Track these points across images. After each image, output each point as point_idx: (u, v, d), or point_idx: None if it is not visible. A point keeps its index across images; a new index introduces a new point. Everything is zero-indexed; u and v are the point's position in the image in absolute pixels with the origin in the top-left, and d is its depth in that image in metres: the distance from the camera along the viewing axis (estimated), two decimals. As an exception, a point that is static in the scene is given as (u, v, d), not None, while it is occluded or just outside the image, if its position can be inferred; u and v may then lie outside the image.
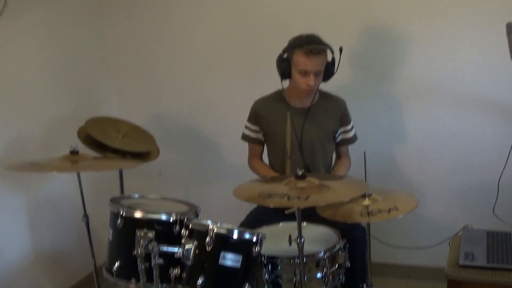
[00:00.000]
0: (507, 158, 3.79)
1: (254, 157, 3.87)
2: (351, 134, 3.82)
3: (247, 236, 2.78)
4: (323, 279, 2.98)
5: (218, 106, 4.65)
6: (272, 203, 2.72)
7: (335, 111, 3.73)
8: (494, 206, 3.89)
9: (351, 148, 3.88)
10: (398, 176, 4.34)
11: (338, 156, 3.89)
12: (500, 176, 3.86)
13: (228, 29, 4.51)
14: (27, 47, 3.98)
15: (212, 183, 4.77)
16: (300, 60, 3.42)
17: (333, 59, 3.53)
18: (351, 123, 3.81)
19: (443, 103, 4.11)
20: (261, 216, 3.55)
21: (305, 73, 3.44)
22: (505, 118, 3.94)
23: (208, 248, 2.73)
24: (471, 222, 3.71)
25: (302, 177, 2.84)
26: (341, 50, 3.50)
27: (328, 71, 3.53)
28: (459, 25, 3.98)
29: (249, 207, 3.74)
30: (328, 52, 3.50)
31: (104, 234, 3.15)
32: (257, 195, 2.80)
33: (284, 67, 3.50)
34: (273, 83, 3.65)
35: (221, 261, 2.72)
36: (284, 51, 3.50)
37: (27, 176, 3.92)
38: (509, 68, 3.31)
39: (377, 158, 4.27)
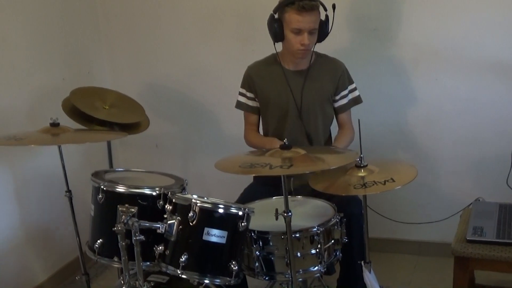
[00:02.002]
0: (522, 126, 3.79)
1: (251, 129, 3.84)
2: (350, 97, 3.76)
3: (232, 210, 2.79)
4: (318, 256, 2.98)
5: (215, 73, 4.66)
6: (253, 173, 2.74)
7: (332, 73, 3.70)
8: (508, 177, 3.88)
9: (352, 117, 3.82)
10: (406, 147, 4.35)
11: (340, 126, 3.84)
12: (514, 146, 3.85)
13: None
14: (12, 12, 3.98)
15: (210, 155, 4.73)
16: (293, 18, 3.40)
17: (327, 18, 3.52)
18: (352, 85, 3.76)
19: (454, 68, 4.09)
20: (257, 191, 3.57)
21: (298, 32, 3.42)
22: (520, 83, 3.91)
23: (192, 223, 2.74)
24: (484, 194, 3.74)
25: (288, 147, 2.85)
26: (334, 7, 3.47)
27: (323, 30, 3.51)
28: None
29: (249, 182, 3.79)
30: (322, 11, 3.49)
31: (93, 211, 3.16)
32: (238, 165, 2.81)
33: (276, 28, 3.48)
34: (272, 48, 3.64)
35: (205, 237, 2.73)
36: (275, 11, 3.48)
37: (13, 151, 3.95)
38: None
39: (384, 127, 4.29)
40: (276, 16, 3.49)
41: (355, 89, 3.77)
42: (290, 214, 2.75)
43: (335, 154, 3.26)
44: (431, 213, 4.33)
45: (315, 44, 3.58)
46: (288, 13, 3.41)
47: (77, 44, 4.60)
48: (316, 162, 2.89)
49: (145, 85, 4.85)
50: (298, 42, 3.45)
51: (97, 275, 4.41)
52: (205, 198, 2.85)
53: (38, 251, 4.25)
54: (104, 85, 4.28)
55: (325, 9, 3.49)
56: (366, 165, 2.87)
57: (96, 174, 3.17)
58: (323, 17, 3.50)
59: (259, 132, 3.87)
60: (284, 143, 2.86)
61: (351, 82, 3.76)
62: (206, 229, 2.74)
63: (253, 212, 2.85)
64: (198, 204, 2.75)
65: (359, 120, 3.03)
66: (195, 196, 2.83)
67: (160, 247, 2.83)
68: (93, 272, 4.32)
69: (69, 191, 3.56)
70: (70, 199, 3.57)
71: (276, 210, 2.82)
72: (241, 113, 3.87)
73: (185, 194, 2.96)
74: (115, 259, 2.95)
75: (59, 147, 3.48)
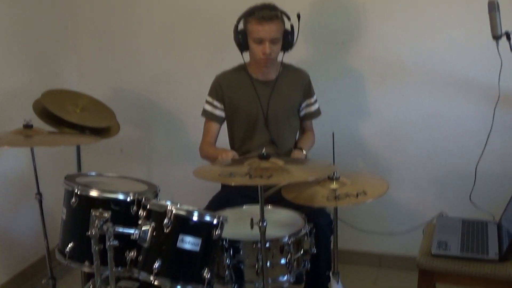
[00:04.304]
0: (485, 143, 3.84)
1: (208, 142, 3.82)
2: (314, 107, 3.89)
3: (207, 218, 2.80)
4: (287, 266, 3.01)
5: (183, 81, 4.67)
6: (233, 182, 2.74)
7: (299, 83, 3.80)
8: (471, 193, 3.95)
9: (320, 129, 3.93)
10: (371, 160, 4.40)
11: (302, 131, 3.96)
12: (478, 162, 3.91)
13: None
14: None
15: (175, 163, 4.79)
16: (254, 28, 3.48)
17: (292, 27, 3.59)
18: (315, 97, 3.88)
19: (420, 84, 4.15)
20: (225, 199, 3.58)
21: (260, 41, 3.49)
22: (485, 100, 3.96)
23: (166, 230, 2.75)
24: (447, 209, 3.80)
25: (266, 158, 2.87)
26: (298, 16, 3.57)
27: (287, 40, 3.59)
28: (438, 2, 4.01)
29: (214, 189, 3.78)
30: (287, 21, 3.57)
31: (60, 214, 3.14)
32: (218, 174, 2.83)
33: (240, 39, 3.57)
34: (240, 57, 3.68)
35: (179, 244, 2.74)
36: (238, 21, 3.57)
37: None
38: (491, 47, 3.35)
39: (350, 140, 4.35)
40: (240, 27, 3.57)
41: (315, 102, 3.90)
42: (265, 224, 2.78)
43: (312, 165, 3.29)
44: (393, 225, 4.40)
45: (283, 54, 3.66)
46: (250, 23, 3.50)
47: (44, 46, 4.57)
48: (295, 174, 2.91)
49: (112, 89, 4.83)
50: (260, 51, 3.52)
51: (59, 278, 4.36)
52: (179, 205, 2.84)
53: (-1, 252, 4.23)
54: (71, 87, 4.26)
55: (289, 19, 3.56)
56: (339, 178, 2.91)
57: (69, 178, 3.15)
58: (288, 27, 3.58)
59: (215, 145, 3.85)
60: (263, 153, 2.87)
61: (313, 93, 3.88)
62: (180, 236, 2.74)
63: (226, 220, 2.85)
64: (173, 211, 2.75)
65: (333, 133, 3.07)
66: (170, 203, 2.83)
67: (132, 253, 2.82)
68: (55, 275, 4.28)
69: (39, 193, 3.55)
70: (40, 201, 3.57)
71: (252, 219, 2.86)
72: (209, 121, 3.86)
73: (159, 200, 2.97)
74: (86, 263, 2.94)
75: (32, 149, 3.48)
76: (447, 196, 4.24)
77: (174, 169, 4.78)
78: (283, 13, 3.53)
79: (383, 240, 4.44)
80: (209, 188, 3.73)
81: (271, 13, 3.45)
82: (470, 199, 3.93)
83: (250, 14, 3.49)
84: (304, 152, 3.70)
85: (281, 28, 3.53)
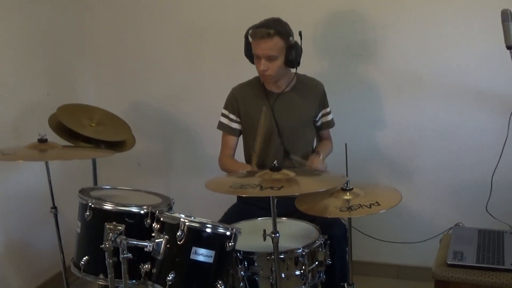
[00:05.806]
0: (501, 154, 3.84)
1: (227, 154, 3.83)
2: (330, 117, 3.88)
3: (220, 230, 2.80)
4: (302, 277, 3.01)
5: (200, 94, 4.68)
6: (244, 193, 2.74)
7: (314, 93, 3.77)
8: (487, 203, 3.93)
9: (336, 140, 3.91)
10: (388, 171, 4.39)
11: (320, 139, 3.96)
12: (493, 172, 3.90)
13: (210, 13, 4.55)
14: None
15: (193, 175, 4.80)
16: (252, 44, 3.49)
17: (295, 43, 3.52)
18: (329, 107, 3.86)
19: (436, 95, 4.14)
20: (240, 211, 3.59)
21: (258, 57, 3.49)
22: (500, 111, 3.94)
23: (179, 242, 2.75)
24: (464, 219, 3.77)
25: (277, 169, 2.86)
26: (300, 34, 3.53)
27: (289, 56, 3.50)
28: (453, 14, 4.01)
29: (232, 201, 3.80)
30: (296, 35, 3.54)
31: (77, 228, 3.16)
32: (229, 186, 2.82)
33: (246, 52, 3.58)
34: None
35: (192, 256, 2.73)
36: (246, 35, 3.54)
37: (-2, 166, 3.95)
38: (505, 58, 3.32)
39: (367, 151, 4.35)
40: (247, 40, 3.55)
41: (330, 112, 3.89)
42: (278, 235, 2.77)
43: (323, 177, 3.28)
44: (410, 236, 4.37)
45: (296, 69, 3.63)
46: (250, 38, 3.50)
47: (62, 60, 4.60)
48: (305, 185, 2.90)
49: (129, 103, 4.86)
50: (258, 67, 3.53)
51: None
52: (193, 217, 2.84)
53: (17, 266, 4.22)
54: (88, 102, 4.27)
55: (288, 36, 3.48)
56: (352, 189, 2.89)
57: (83, 191, 3.16)
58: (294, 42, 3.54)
59: (234, 157, 3.86)
60: (274, 165, 2.87)
61: (327, 104, 3.87)
62: (193, 248, 2.73)
63: (240, 232, 2.85)
64: (186, 224, 2.75)
65: (346, 144, 3.06)
66: (183, 215, 2.83)
67: (147, 265, 2.82)
68: (71, 288, 4.30)
69: (54, 207, 3.57)
70: (55, 215, 3.58)
71: (264, 231, 2.86)
72: (224, 133, 3.87)
73: (173, 213, 2.97)
74: (101, 276, 2.94)
75: (46, 163, 3.49)
76: (464, 206, 4.22)
77: (192, 182, 4.79)
78: (279, 32, 3.42)
79: (401, 251, 4.42)
80: (227, 201, 3.75)
81: (264, 31, 3.39)
82: (486, 209, 3.92)
83: (249, 30, 3.49)
84: (321, 155, 3.66)
85: (278, 45, 3.44)
